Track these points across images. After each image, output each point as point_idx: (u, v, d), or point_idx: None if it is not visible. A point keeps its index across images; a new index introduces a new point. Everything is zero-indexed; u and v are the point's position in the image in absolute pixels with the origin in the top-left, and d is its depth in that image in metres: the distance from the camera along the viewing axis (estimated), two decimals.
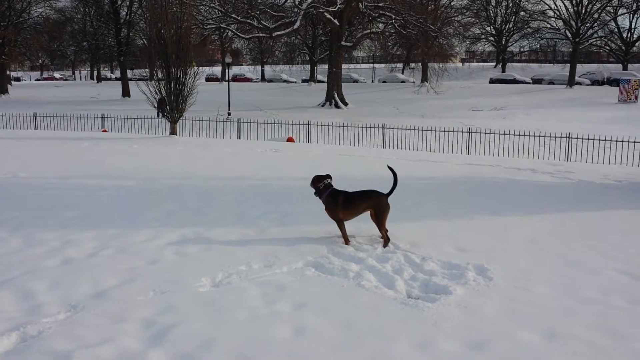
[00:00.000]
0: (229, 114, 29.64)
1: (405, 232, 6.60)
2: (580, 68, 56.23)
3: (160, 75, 18.45)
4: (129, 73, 52.41)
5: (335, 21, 36.11)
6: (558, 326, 4.19)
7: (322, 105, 38.39)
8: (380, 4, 37.59)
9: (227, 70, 48.69)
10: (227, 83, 34.35)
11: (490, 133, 16.46)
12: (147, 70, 33.06)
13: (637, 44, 59.84)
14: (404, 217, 7.38)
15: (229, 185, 9.78)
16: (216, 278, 5.14)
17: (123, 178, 10.31)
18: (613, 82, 49.22)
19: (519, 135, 16.03)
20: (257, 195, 8.93)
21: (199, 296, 4.72)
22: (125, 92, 47.12)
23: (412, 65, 62.89)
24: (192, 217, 7.41)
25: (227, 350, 3.77)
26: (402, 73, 64.13)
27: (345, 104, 38.45)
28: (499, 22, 64.32)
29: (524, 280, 5.13)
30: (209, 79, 68.75)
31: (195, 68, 19.77)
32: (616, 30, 58.15)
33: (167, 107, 18.79)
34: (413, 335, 4.03)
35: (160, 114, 20.61)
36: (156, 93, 18.55)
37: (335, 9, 35.68)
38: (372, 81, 65.12)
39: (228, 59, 40.04)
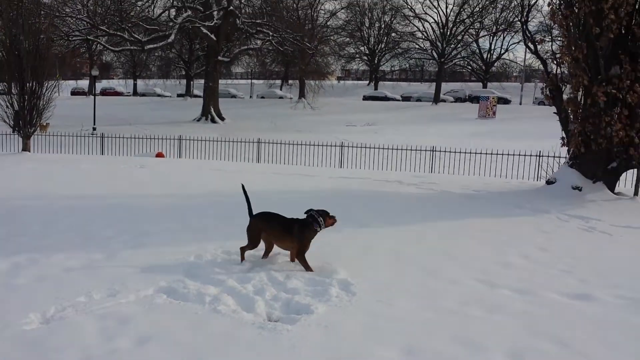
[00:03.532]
0: (94, 129, 27.77)
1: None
2: (445, 86, 60.23)
3: (15, 88, 16.79)
4: None
5: (212, 36, 35.44)
6: (417, 341, 4.07)
7: (198, 120, 37.38)
8: (258, 21, 37.59)
9: (94, 83, 45.86)
10: (93, 97, 32.24)
11: (361, 147, 16.79)
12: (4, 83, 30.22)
13: (495, 63, 65.34)
14: None
15: (81, 205, 8.89)
16: (47, 313, 4.44)
17: None
18: (474, 99, 53.14)
19: (388, 149, 16.51)
20: (112, 214, 8.17)
21: (23, 336, 4.02)
22: None
23: (290, 81, 63.66)
24: (31, 241, 6.53)
25: None
26: (281, 89, 64.61)
27: (222, 119, 37.77)
28: (372, 43, 67.19)
29: (386, 294, 5.01)
30: (75, 92, 64.51)
31: (58, 81, 18.27)
32: (477, 51, 63.13)
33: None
34: None
35: (16, 130, 18.71)
36: (7, 107, 16.79)
37: (212, 24, 35.04)
38: (251, 97, 64.84)
39: (95, 72, 37.64)
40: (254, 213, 6.07)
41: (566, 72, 11.46)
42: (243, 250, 5.94)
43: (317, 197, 10.03)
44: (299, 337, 4.07)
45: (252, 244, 5.93)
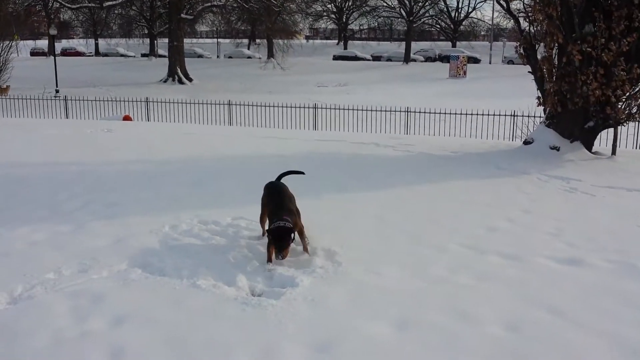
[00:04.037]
0: (57, 92, 26.66)
1: (250, 216, 6.01)
2: (415, 45, 59.77)
3: None
4: None
5: None
6: (409, 313, 3.90)
7: (165, 81, 36.31)
8: None
9: (54, 43, 43.93)
10: (53, 57, 30.88)
11: (335, 109, 16.46)
12: None
13: (463, 22, 65.00)
14: (247, 200, 6.80)
15: (44, 173, 8.43)
16: (14, 292, 4.13)
17: None
18: (444, 58, 52.95)
19: (362, 110, 16.22)
20: (79, 183, 7.75)
21: None
22: None
23: (258, 41, 62.15)
24: None
25: None
26: (248, 49, 63.14)
27: (190, 79, 36.77)
28: (339, 0, 65.85)
29: (373, 263, 4.82)
30: (35, 53, 61.92)
31: (16, 41, 17.30)
32: (445, 9, 62.57)
33: None
34: (254, 343, 3.48)
35: None
36: None
37: None
38: (218, 57, 63.28)
39: (53, 31, 35.90)
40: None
41: (539, 30, 11.24)
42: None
43: (294, 161, 9.75)
44: (285, 312, 3.86)
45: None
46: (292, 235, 4.73)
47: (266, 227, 5.12)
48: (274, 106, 17.05)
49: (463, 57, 41.91)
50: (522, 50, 11.45)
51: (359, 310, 3.94)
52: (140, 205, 6.61)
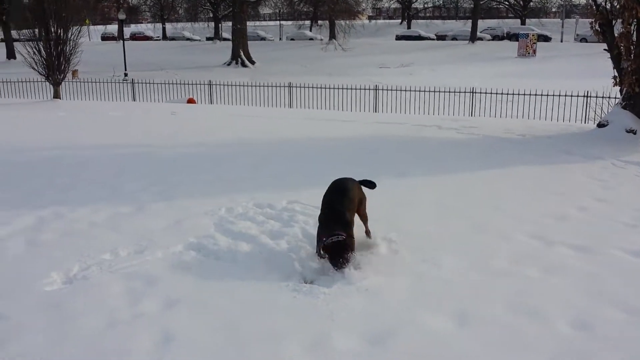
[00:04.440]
0: (126, 75, 27.49)
1: (305, 200, 5.92)
2: (482, 23, 57.61)
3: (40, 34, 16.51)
4: (15, 33, 47.51)
5: None
6: (470, 307, 3.69)
7: (228, 64, 36.73)
8: None
9: (123, 28, 45.35)
10: (122, 42, 31.85)
11: (396, 90, 16.08)
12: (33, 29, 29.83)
13: None
14: (303, 183, 6.71)
15: (108, 154, 8.65)
16: (70, 272, 4.21)
17: None
18: (512, 36, 50.80)
19: (425, 91, 15.76)
20: (141, 165, 7.90)
21: (44, 298, 3.79)
22: (11, 54, 42.71)
23: (320, 22, 61.78)
24: (57, 194, 6.31)
25: None
26: (310, 30, 62.92)
27: (252, 62, 37.02)
28: None
29: (432, 251, 4.61)
30: (105, 37, 64.15)
31: (87, 26, 17.89)
32: None
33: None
34: (305, 332, 3.37)
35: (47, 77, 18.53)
36: (34, 53, 16.54)
37: None
38: (280, 39, 63.42)
39: (122, 16, 36.95)
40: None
41: (617, 4, 10.46)
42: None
43: (354, 145, 9.58)
44: (337, 302, 3.73)
45: None
46: (350, 252, 4.20)
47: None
48: (334, 88, 16.85)
49: (532, 35, 40.02)
50: (597, 27, 10.71)
51: (416, 301, 3.75)
52: (199, 187, 6.64)
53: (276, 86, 17.53)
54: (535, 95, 14.00)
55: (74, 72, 19.95)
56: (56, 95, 17.23)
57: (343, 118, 12.91)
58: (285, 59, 39.93)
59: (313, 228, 5.13)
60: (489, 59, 37.08)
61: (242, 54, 36.71)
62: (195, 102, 17.57)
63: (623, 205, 5.91)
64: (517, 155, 8.56)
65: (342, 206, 4.47)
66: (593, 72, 19.17)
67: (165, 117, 13.12)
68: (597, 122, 10.84)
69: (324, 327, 3.44)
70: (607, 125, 10.29)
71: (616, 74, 10.62)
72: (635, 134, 9.70)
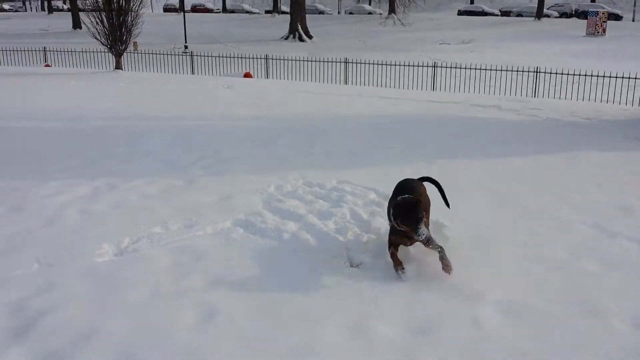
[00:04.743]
0: (186, 47, 27.92)
1: (355, 180, 5.82)
2: (549, 0, 55.06)
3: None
4: (80, 3, 49.00)
5: None
6: (520, 298, 3.52)
7: (285, 38, 36.70)
8: None
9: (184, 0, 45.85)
10: (183, 14, 32.30)
11: (455, 67, 15.60)
12: None
13: None
14: (354, 163, 6.61)
15: (165, 126, 8.79)
16: (122, 244, 4.29)
17: (47, 119, 9.20)
18: (581, 14, 48.36)
19: (484, 69, 15.22)
20: (195, 137, 7.99)
21: (94, 269, 3.88)
22: (76, 24, 44.16)
23: None
24: (113, 165, 6.47)
25: (108, 346, 2.99)
26: (369, 4, 61.91)
27: (310, 36, 36.82)
28: None
29: (482, 239, 4.44)
30: (167, 9, 65.25)
31: None
32: None
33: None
34: (347, 317, 3.31)
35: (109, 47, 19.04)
36: (97, 23, 16.99)
37: None
38: (339, 12, 62.76)
39: None
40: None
41: None
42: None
43: (405, 123, 9.36)
44: (382, 289, 3.65)
45: None
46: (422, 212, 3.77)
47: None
48: (390, 65, 16.54)
49: (603, 13, 37.88)
50: None
51: (464, 291, 3.61)
52: (250, 162, 6.65)
53: (332, 62, 17.36)
54: (604, 77, 13.27)
55: (135, 44, 20.37)
56: (118, 66, 17.69)
57: (397, 95, 12.65)
58: (343, 33, 39.48)
59: (362, 209, 5.06)
60: (555, 37, 35.45)
61: (299, 27, 36.55)
62: (251, 77, 17.66)
63: None
64: (581, 140, 8.14)
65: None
66: None
67: (221, 91, 13.23)
68: None
69: (367, 312, 3.37)
70: None
71: None
72: None
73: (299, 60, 17.92)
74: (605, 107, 11.53)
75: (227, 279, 3.77)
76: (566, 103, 12.08)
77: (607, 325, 3.27)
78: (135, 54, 19.84)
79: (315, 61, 17.79)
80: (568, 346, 3.06)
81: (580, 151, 7.43)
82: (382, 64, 16.52)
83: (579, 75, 13.72)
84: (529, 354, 3.00)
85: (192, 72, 18.94)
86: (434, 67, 15.72)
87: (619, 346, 3.06)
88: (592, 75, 13.52)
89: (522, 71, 14.53)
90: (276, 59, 18.26)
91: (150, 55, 19.15)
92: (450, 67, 15.68)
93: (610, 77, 13.18)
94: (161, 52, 19.67)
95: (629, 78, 12.81)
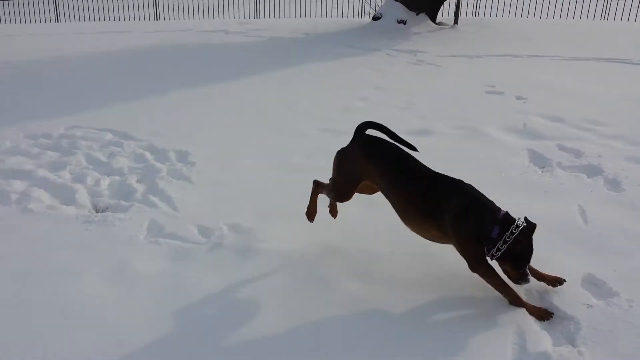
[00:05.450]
0: None
1: (85, 123, 5.38)
2: None
3: None
4: None
5: None
6: (270, 204, 3.75)
7: None
8: None
9: None
10: None
11: None
12: None
13: None
14: (81, 106, 6.10)
15: None
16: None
17: None
18: None
19: None
20: None
21: None
22: None
23: None
24: None
25: None
26: None
27: None
28: None
29: (228, 159, 4.56)
30: None
31: None
32: None
33: None
34: (104, 265, 3.12)
35: None
36: None
37: None
38: None
39: None
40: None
41: None
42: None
43: (138, 58, 8.87)
44: (135, 225, 3.53)
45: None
46: None
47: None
48: None
49: None
50: None
51: (216, 209, 3.69)
52: None
53: None
54: None
55: None
56: None
57: (121, 29, 11.83)
58: None
59: (98, 152, 4.72)
60: None
61: None
62: None
63: (396, 91, 6.43)
64: (304, 53, 8.74)
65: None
66: None
67: None
68: (372, 16, 11.45)
69: (125, 253, 3.23)
70: (381, 17, 10.94)
71: None
72: (405, 24, 10.47)
73: None
74: (320, 21, 12.47)
75: None
76: (286, 22, 12.75)
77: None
78: None
79: None
80: None
81: (304, 64, 7.99)
82: None
83: None
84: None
85: None
86: None
87: None
88: None
89: None
90: None
91: None
92: None
93: None
94: None
95: None
